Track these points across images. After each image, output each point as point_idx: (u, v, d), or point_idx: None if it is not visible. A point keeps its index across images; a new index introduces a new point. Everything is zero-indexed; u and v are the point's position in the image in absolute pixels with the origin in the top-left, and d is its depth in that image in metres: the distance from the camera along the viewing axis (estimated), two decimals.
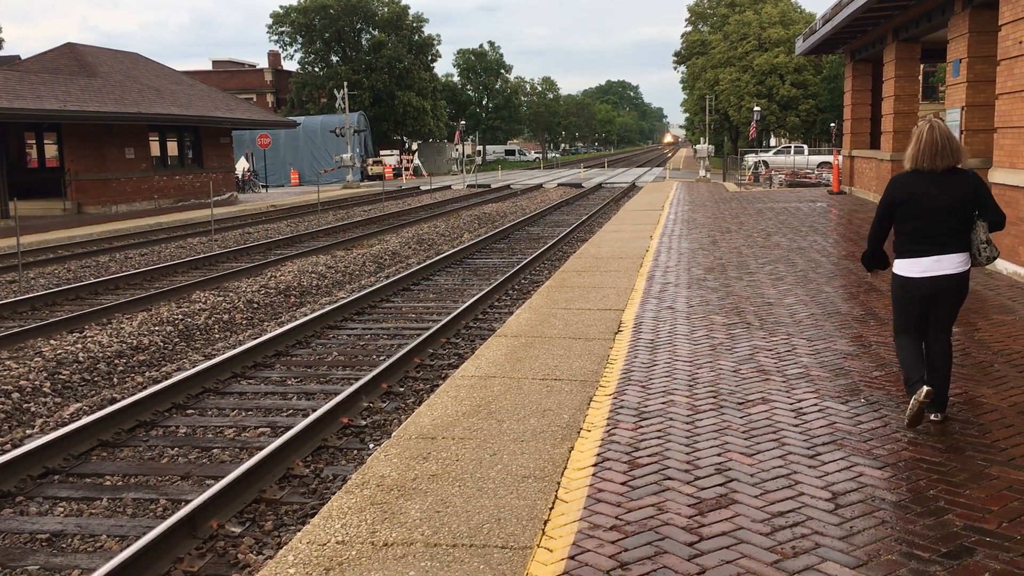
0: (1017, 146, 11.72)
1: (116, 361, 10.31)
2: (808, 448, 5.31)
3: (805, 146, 56.07)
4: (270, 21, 70.25)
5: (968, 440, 5.38)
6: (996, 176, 12.29)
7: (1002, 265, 11.69)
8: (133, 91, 32.86)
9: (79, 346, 10.70)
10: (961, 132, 16.22)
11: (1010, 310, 9.31)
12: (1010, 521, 4.26)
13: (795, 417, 5.89)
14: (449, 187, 48.71)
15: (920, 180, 5.63)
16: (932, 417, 5.74)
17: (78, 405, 8.73)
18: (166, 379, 9.43)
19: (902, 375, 5.79)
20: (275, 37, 70.63)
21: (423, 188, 46.97)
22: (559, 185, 48.72)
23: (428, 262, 17.23)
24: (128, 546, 5.28)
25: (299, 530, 5.22)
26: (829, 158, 42.90)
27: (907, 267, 5.71)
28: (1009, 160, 11.96)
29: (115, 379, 9.77)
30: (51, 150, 34.33)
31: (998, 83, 12.43)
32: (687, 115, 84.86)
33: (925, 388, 5.37)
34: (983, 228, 5.61)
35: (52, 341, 11.04)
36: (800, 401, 6.24)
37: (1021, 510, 4.38)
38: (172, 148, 36.28)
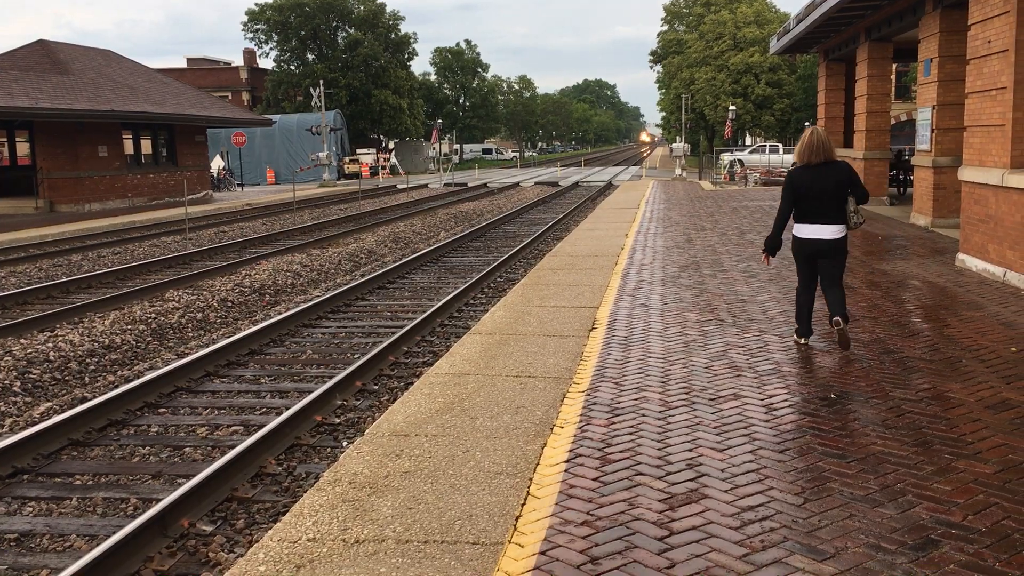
0: (986, 144, 11.86)
1: (87, 360, 10.22)
2: (778, 443, 5.35)
3: (780, 145, 56.41)
4: (245, 19, 69.82)
5: (936, 434, 5.44)
6: (965, 174, 12.43)
7: (972, 262, 11.83)
8: (106, 88, 32.55)
9: (50, 345, 10.59)
10: (932, 130, 16.41)
11: (979, 306, 9.42)
12: (975, 513, 4.32)
13: (766, 413, 5.93)
14: (426, 186, 48.63)
15: (808, 171, 7.52)
16: (836, 322, 7.39)
17: (48, 404, 8.64)
18: (138, 378, 9.35)
19: (796, 319, 7.93)
20: (250, 35, 70.16)
21: (400, 187, 46.87)
22: (536, 184, 48.77)
23: (404, 260, 17.20)
24: (97, 545, 5.24)
25: (271, 528, 5.20)
26: None
27: (800, 230, 7.66)
28: (978, 158, 12.10)
29: (86, 378, 9.68)
30: (23, 148, 33.95)
31: (968, 82, 12.58)
32: (663, 114, 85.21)
33: (802, 341, 7.80)
34: (853, 202, 7.50)
35: (22, 340, 10.92)
36: (771, 397, 6.29)
37: (986, 503, 4.44)
38: (146, 146, 35.98)
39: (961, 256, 12.26)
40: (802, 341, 7.79)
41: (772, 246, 7.95)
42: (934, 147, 16.44)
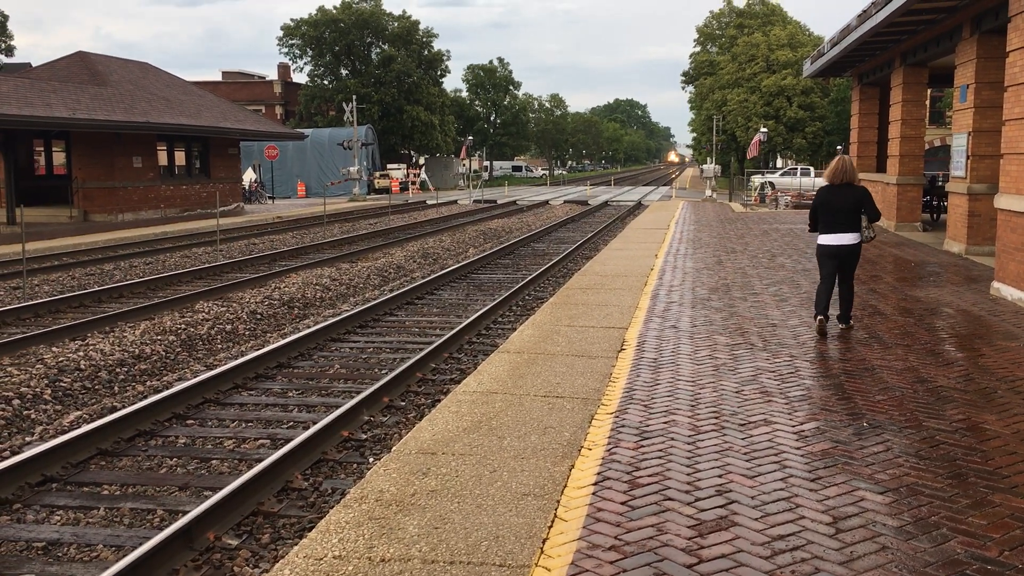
0: (1023, 173, 11.70)
1: (117, 370, 10.31)
2: (809, 471, 5.27)
3: (811, 168, 56.12)
4: (281, 33, 70.67)
5: (971, 467, 5.34)
6: (1002, 202, 12.27)
7: (1007, 291, 11.66)
8: (142, 100, 33.02)
9: (81, 354, 10.70)
10: (968, 157, 16.23)
11: (1014, 336, 9.27)
12: (1011, 549, 4.22)
13: (797, 439, 5.86)
14: (455, 202, 48.80)
15: (832, 190, 9.40)
16: (841, 326, 9.57)
17: (78, 413, 8.72)
18: (167, 389, 9.42)
19: (814, 305, 9.45)
20: (285, 49, 71.01)
21: (429, 202, 47.07)
22: (565, 202, 48.77)
23: (432, 276, 17.23)
24: (124, 556, 5.25)
25: (296, 544, 5.20)
26: None
27: (823, 239, 9.46)
28: (1015, 186, 11.94)
29: (116, 388, 9.76)
30: (59, 157, 34.49)
31: (1005, 109, 12.44)
32: (694, 135, 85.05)
33: (819, 317, 9.20)
34: (865, 219, 9.30)
35: (54, 348, 11.05)
36: (802, 424, 6.21)
37: (1023, 538, 4.34)
38: (180, 158, 36.42)
39: (996, 284, 12.08)
40: (818, 317, 9.26)
41: (812, 229, 9.73)
42: (969, 174, 16.25)
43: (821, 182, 10.14)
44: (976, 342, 9.01)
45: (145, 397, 9.18)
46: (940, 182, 25.38)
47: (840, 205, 9.26)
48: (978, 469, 5.30)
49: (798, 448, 5.69)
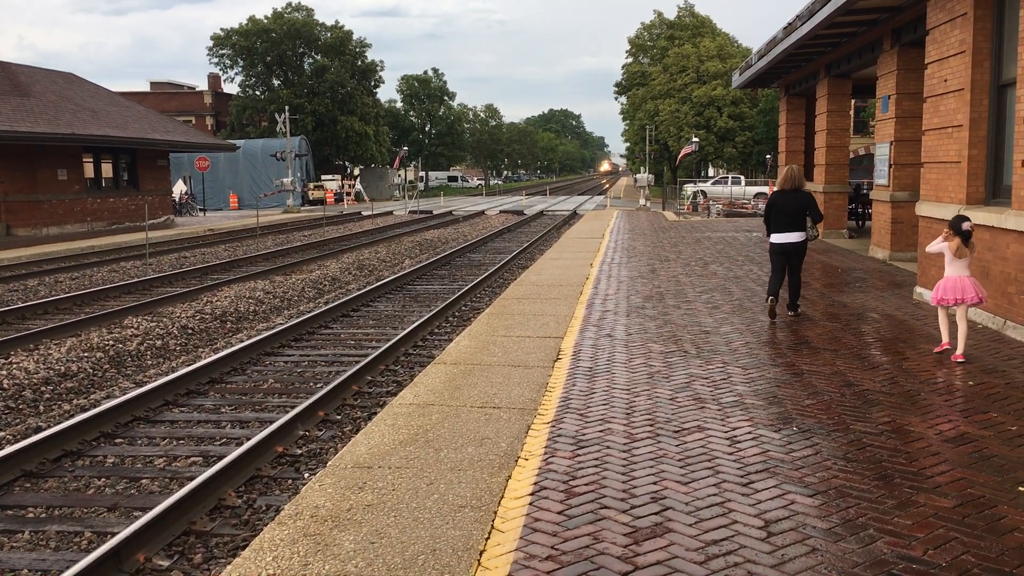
0: (942, 180, 12.10)
1: (42, 388, 10.02)
2: (742, 476, 5.37)
3: (742, 177, 57.21)
4: (211, 43, 69.59)
5: (896, 468, 5.49)
6: (923, 209, 12.67)
7: (929, 296, 12.00)
8: (67, 111, 32.19)
9: (3, 372, 10.37)
10: (890, 166, 16.72)
11: (936, 340, 9.55)
12: (936, 548, 4.35)
13: (729, 445, 5.96)
14: (391, 213, 48.57)
15: (783, 195, 10.74)
16: (790, 313, 10.89)
17: (1, 434, 8.44)
18: (94, 407, 9.18)
19: (767, 290, 10.88)
20: (216, 59, 69.98)
21: (364, 213, 46.75)
22: (501, 212, 48.90)
23: (368, 288, 17.11)
24: None
25: (230, 563, 5.10)
26: (765, 189, 43.86)
27: (774, 238, 10.76)
28: (935, 194, 12.34)
29: (41, 407, 9.48)
30: None
31: (924, 119, 12.86)
32: (628, 144, 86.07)
33: (771, 298, 10.56)
34: (810, 220, 10.66)
35: None
36: (735, 429, 6.32)
37: (947, 537, 4.48)
38: (107, 170, 35.57)
39: (919, 289, 12.46)
40: (769, 298, 10.60)
41: (768, 228, 10.94)
42: (892, 182, 16.75)
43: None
44: (900, 346, 9.27)
45: (72, 416, 8.94)
46: (864, 190, 26.09)
47: (789, 208, 10.60)
48: (903, 470, 5.45)
49: (731, 453, 5.79)
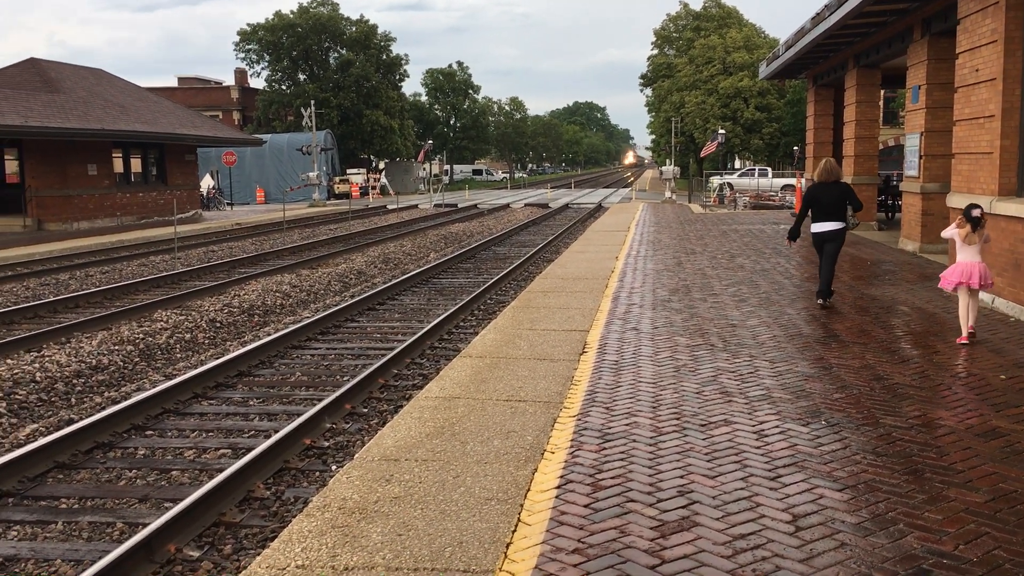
0: (974, 172, 11.95)
1: (74, 381, 10.15)
2: (769, 470, 5.34)
3: (769, 169, 56.77)
4: (237, 39, 70.02)
5: (927, 463, 5.44)
6: (953, 200, 12.51)
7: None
8: (97, 107, 32.53)
9: (36, 366, 10.52)
10: (920, 157, 16.53)
11: (974, 336, 9.44)
12: (967, 543, 4.31)
13: (757, 439, 5.93)
14: (416, 206, 48.68)
15: (821, 187, 11.01)
16: (818, 301, 11.00)
17: (34, 426, 8.57)
18: (125, 399, 9.29)
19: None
20: (242, 55, 70.37)
21: (390, 207, 46.90)
22: (526, 205, 48.88)
23: (394, 281, 17.17)
24: (83, 571, 5.17)
25: (259, 554, 5.15)
26: (792, 181, 43.51)
27: (814, 227, 11.01)
28: (966, 185, 12.19)
29: (73, 399, 9.61)
30: (11, 166, 33.80)
31: (956, 110, 12.70)
32: (653, 137, 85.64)
33: (820, 301, 10.98)
34: (850, 209, 11.04)
35: (8, 360, 10.84)
36: (762, 423, 6.29)
37: (977, 532, 4.43)
38: (136, 165, 35.91)
39: None
40: (819, 301, 10.99)
41: (793, 234, 11.52)
42: (922, 173, 16.56)
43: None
44: (930, 339, 9.18)
45: (103, 408, 9.05)
46: (894, 181, 25.80)
47: (829, 199, 10.90)
48: (933, 465, 5.40)
49: (758, 447, 5.76)
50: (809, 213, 11.13)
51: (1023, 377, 7.47)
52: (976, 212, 8.86)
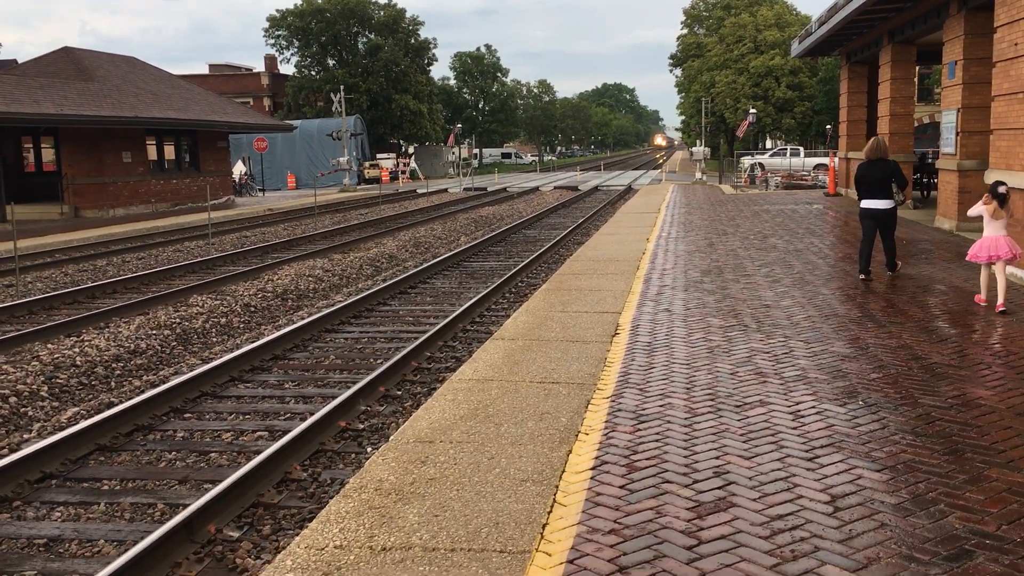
0: (1013, 148, 11.74)
1: (113, 365, 10.30)
2: (806, 451, 5.30)
3: (801, 148, 56.14)
4: (267, 25, 70.26)
5: (967, 442, 5.38)
6: (992, 177, 12.29)
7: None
8: (130, 95, 32.83)
9: (76, 350, 10.68)
10: (957, 134, 16.26)
11: (1007, 312, 9.31)
12: (1010, 523, 4.26)
13: (793, 420, 5.89)
14: (446, 190, 48.72)
15: (868, 165, 11.36)
16: (889, 272, 11.57)
17: (75, 409, 8.71)
18: (164, 383, 9.41)
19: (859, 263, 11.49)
20: (272, 41, 70.62)
21: (420, 191, 46.98)
22: (555, 188, 48.73)
23: (425, 265, 17.22)
24: (126, 551, 5.26)
25: (297, 534, 5.21)
26: (825, 160, 42.98)
27: (864, 203, 11.42)
28: (1005, 162, 11.97)
29: (112, 383, 9.76)
30: (48, 154, 34.28)
31: (994, 85, 12.46)
32: (683, 118, 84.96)
33: (863, 275, 11.26)
34: (896, 187, 11.24)
35: (49, 345, 11.02)
36: (798, 404, 6.24)
37: (1021, 512, 4.38)
38: (169, 152, 36.25)
39: None
40: (862, 277, 11.26)
41: (858, 194, 11.60)
42: (959, 150, 16.29)
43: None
44: (968, 318, 9.06)
45: (142, 392, 9.18)
46: (930, 159, 25.42)
47: (875, 177, 11.21)
48: (974, 444, 5.34)
49: (794, 428, 5.72)
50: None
51: None
52: (1002, 189, 9.25)
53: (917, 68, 30.12)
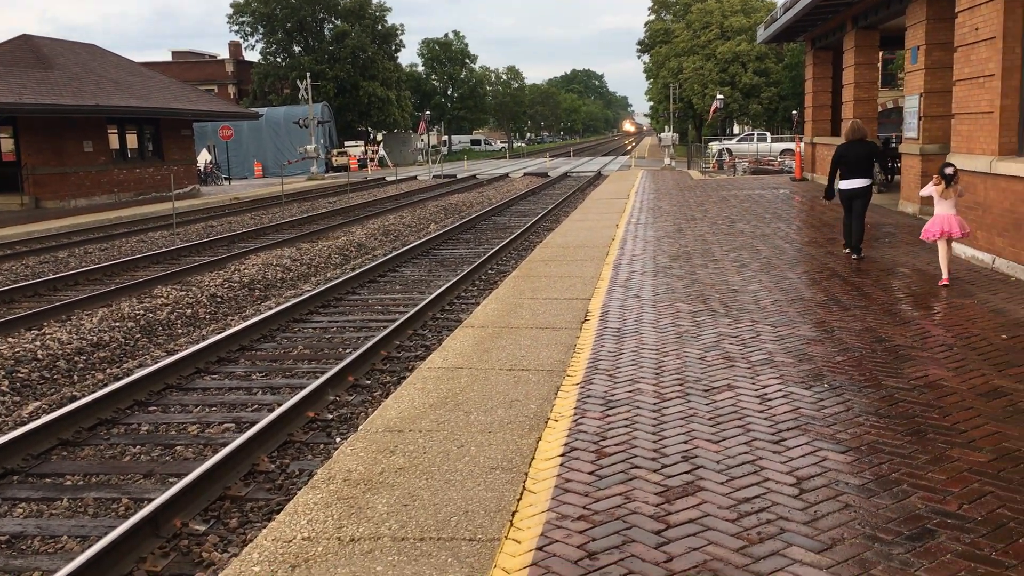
0: (974, 132, 11.88)
1: (76, 358, 10.15)
2: (773, 434, 5.35)
3: (768, 133, 56.51)
4: (231, 11, 69.37)
5: (929, 423, 5.45)
6: (954, 161, 12.43)
7: (960, 249, 11.86)
8: (91, 83, 32.30)
9: (38, 343, 10.52)
10: (920, 118, 16.43)
11: (968, 294, 9.44)
12: (971, 503, 4.32)
13: (760, 403, 5.93)
14: (415, 178, 48.50)
15: (849, 146, 11.84)
16: (854, 256, 11.76)
17: (37, 404, 8.58)
18: (127, 376, 9.30)
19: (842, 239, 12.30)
20: (236, 27, 69.76)
21: (389, 179, 46.73)
22: (525, 175, 48.70)
23: (394, 253, 17.15)
24: (90, 546, 5.20)
25: (265, 527, 5.17)
26: (791, 145, 43.29)
27: (843, 184, 11.83)
28: (966, 145, 12.12)
29: (75, 377, 9.62)
30: (7, 144, 33.65)
31: (955, 70, 12.59)
32: (652, 103, 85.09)
33: (847, 249, 11.93)
34: (876, 166, 12.02)
35: (10, 339, 10.84)
36: (765, 387, 6.29)
37: (981, 491, 4.44)
38: (132, 141, 35.74)
39: None
40: (849, 253, 11.87)
41: (828, 194, 12.15)
42: (921, 135, 16.46)
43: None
44: (931, 300, 9.17)
45: (105, 385, 9.06)
46: (893, 143, 25.67)
47: (856, 157, 11.71)
48: (936, 425, 5.41)
49: (761, 411, 5.76)
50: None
51: None
52: (949, 170, 9.93)
53: (881, 53, 30.42)
